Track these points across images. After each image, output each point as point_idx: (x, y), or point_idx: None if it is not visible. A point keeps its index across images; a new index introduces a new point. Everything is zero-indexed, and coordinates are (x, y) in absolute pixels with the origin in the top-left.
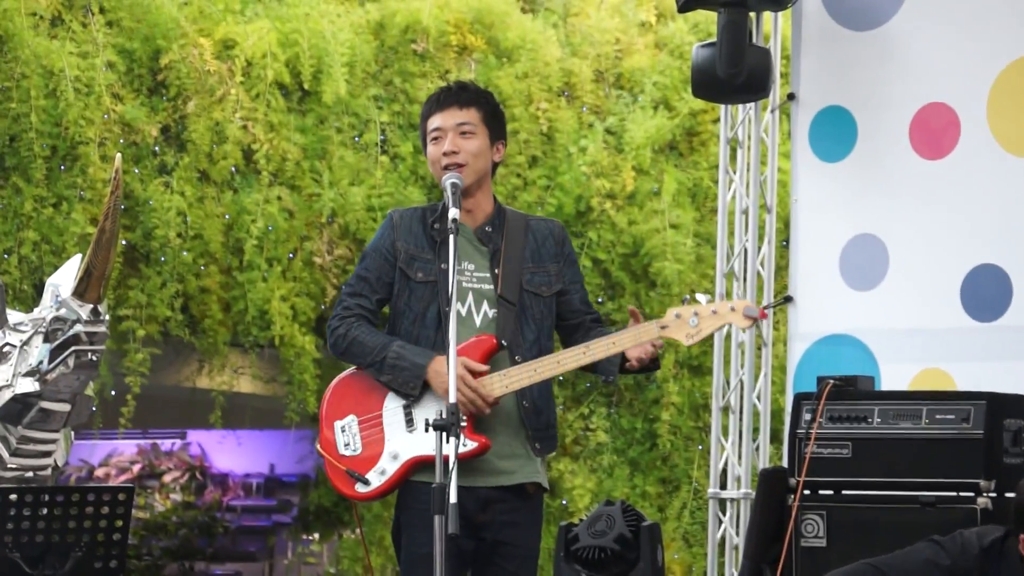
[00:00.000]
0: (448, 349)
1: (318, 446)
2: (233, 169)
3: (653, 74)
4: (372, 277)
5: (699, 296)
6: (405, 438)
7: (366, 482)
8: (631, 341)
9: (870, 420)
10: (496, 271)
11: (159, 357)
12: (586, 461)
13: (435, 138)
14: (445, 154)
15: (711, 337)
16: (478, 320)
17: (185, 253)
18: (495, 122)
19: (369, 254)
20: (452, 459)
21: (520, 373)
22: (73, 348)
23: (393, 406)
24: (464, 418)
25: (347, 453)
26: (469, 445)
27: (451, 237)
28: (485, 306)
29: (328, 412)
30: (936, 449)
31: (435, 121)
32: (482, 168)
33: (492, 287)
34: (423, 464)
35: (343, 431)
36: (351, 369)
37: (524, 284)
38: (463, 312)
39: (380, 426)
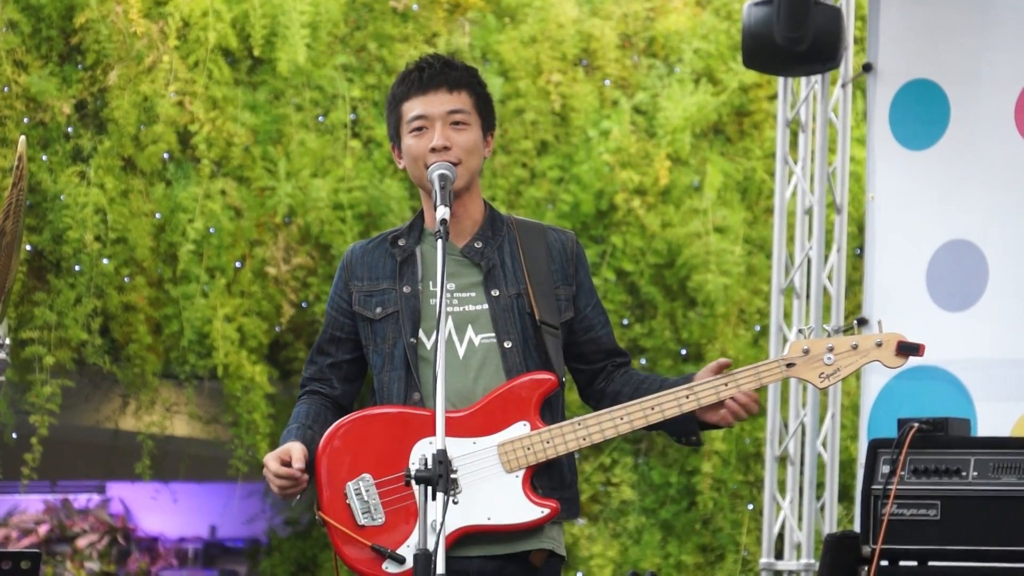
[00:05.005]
0: (436, 378)
1: (320, 514)
2: (166, 156)
3: (693, 39)
4: (325, 339)
5: (828, 328)
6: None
7: (399, 560)
8: (753, 381)
9: (964, 473)
10: (494, 292)
11: (72, 391)
12: (607, 523)
13: (418, 128)
14: (434, 149)
15: None
16: (461, 350)
17: (105, 261)
18: (487, 109)
19: (327, 308)
20: (440, 520)
21: (576, 431)
22: None
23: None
24: (455, 469)
25: (367, 523)
26: (531, 513)
27: (439, 243)
28: (471, 331)
29: (333, 468)
30: None
31: (416, 107)
32: (475, 167)
33: (484, 307)
34: (474, 536)
35: (358, 495)
36: (360, 412)
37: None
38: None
39: (409, 489)
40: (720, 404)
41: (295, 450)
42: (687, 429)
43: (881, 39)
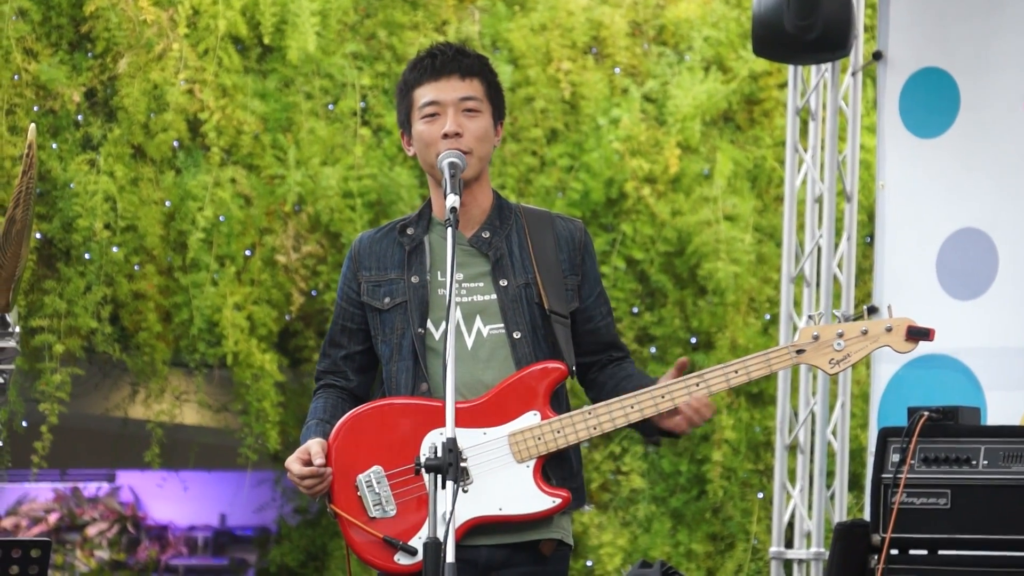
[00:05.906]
0: (445, 368)
1: (332, 507)
2: (175, 144)
3: (704, 27)
4: (337, 330)
5: (836, 313)
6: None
7: (411, 551)
8: (763, 368)
9: (974, 462)
10: (502, 282)
11: (82, 379)
12: (617, 512)
13: (430, 115)
14: (446, 136)
15: None
16: (470, 340)
17: (115, 249)
18: (498, 98)
19: (337, 299)
20: (449, 508)
21: (586, 420)
22: None
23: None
24: (465, 458)
25: (378, 515)
26: (542, 503)
27: (449, 231)
28: (479, 322)
29: (343, 460)
30: None
31: (428, 93)
32: (486, 155)
33: (492, 298)
34: (484, 527)
35: (369, 487)
36: (369, 404)
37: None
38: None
39: (420, 480)
40: (676, 411)
41: (313, 447)
42: (650, 430)
43: (891, 27)
